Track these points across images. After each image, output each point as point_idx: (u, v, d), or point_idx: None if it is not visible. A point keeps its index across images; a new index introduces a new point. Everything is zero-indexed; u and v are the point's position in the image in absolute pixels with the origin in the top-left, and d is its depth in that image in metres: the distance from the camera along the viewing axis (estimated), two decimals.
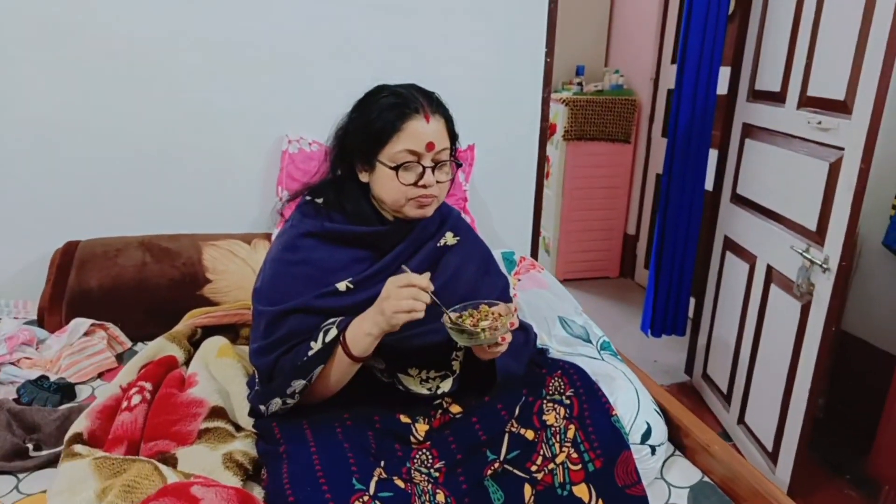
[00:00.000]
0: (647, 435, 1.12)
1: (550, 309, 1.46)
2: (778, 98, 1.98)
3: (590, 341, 1.38)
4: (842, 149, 1.66)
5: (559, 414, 1.09)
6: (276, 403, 1.06)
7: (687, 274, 2.56)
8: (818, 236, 1.76)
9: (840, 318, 2.21)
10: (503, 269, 1.41)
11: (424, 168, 1.09)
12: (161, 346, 1.34)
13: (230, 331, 1.49)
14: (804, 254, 1.77)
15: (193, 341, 1.43)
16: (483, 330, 0.97)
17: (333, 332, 1.03)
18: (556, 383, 1.13)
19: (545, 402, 1.11)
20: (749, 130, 2.19)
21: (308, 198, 1.22)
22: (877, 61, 1.51)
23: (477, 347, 1.05)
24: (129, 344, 1.58)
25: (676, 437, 1.18)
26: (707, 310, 2.48)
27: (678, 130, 2.41)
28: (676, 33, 3.22)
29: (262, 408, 1.09)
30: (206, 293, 1.66)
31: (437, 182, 1.11)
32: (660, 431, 1.14)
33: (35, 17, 1.64)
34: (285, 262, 1.13)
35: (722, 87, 2.34)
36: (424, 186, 1.09)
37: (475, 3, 1.91)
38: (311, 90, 1.87)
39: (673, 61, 3.25)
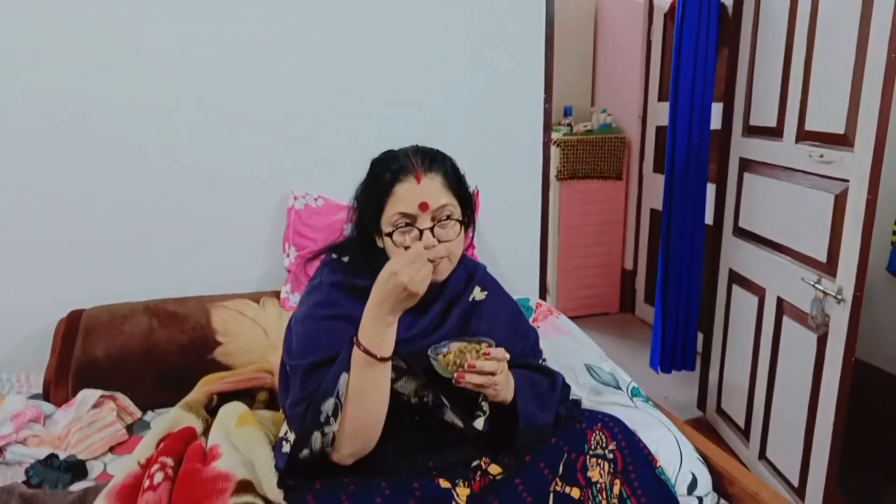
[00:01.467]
0: (693, 486, 1.09)
1: (575, 356, 1.43)
2: (775, 133, 2.01)
3: (620, 388, 1.35)
4: (846, 181, 1.68)
5: (604, 469, 1.05)
6: (317, 439, 1.01)
7: (693, 308, 2.56)
8: (829, 267, 1.76)
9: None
10: None
11: (421, 231, 1.07)
12: (178, 417, 1.29)
13: (247, 396, 1.44)
14: (816, 285, 1.77)
15: (210, 409, 1.37)
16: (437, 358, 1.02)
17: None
18: (598, 437, 1.10)
19: (588, 457, 1.07)
20: (747, 164, 2.22)
21: (334, 256, 1.21)
22: (875, 92, 1.54)
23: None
24: (139, 414, 1.52)
25: (720, 485, 1.14)
26: (717, 344, 2.47)
27: (675, 166, 2.44)
28: (662, 70, 3.30)
29: (306, 451, 1.03)
30: (217, 357, 1.61)
31: (441, 241, 1.08)
32: (705, 481, 1.10)
33: (30, 83, 1.63)
34: (319, 318, 1.11)
35: (715, 123, 2.38)
36: (426, 248, 1.07)
37: (475, 53, 1.94)
38: (316, 146, 1.87)
39: (660, 98, 3.32)
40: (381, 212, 1.10)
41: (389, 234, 1.08)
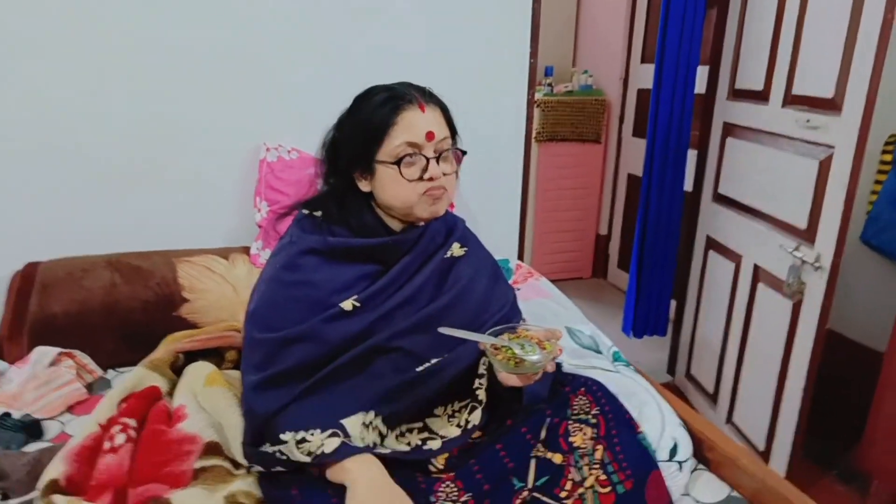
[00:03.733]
0: (674, 451, 1.08)
1: (556, 319, 1.41)
2: (761, 97, 1.98)
3: (600, 352, 1.33)
4: (832, 147, 1.66)
5: (586, 434, 1.03)
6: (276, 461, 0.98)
7: (668, 274, 2.56)
8: (808, 234, 1.76)
9: None
10: None
11: (428, 159, 1.05)
12: (141, 377, 1.23)
13: (215, 355, 1.38)
14: (794, 252, 1.77)
15: (175, 368, 1.31)
16: (530, 354, 0.95)
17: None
18: (581, 402, 1.07)
19: (571, 422, 1.05)
20: (730, 129, 2.19)
21: (305, 212, 1.15)
22: (868, 58, 1.51)
23: (505, 375, 0.99)
24: (99, 372, 1.45)
25: (699, 450, 1.13)
26: (690, 309, 2.48)
27: (658, 130, 2.39)
28: (646, 33, 3.23)
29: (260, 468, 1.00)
30: (183, 314, 1.54)
31: (444, 174, 1.07)
32: (686, 446, 1.09)
33: None
34: (285, 283, 1.06)
35: (699, 87, 2.34)
36: (431, 179, 1.05)
37: (459, 5, 1.84)
38: (290, 95, 1.77)
39: (643, 61, 3.26)
40: (379, 144, 1.06)
41: (397, 163, 1.04)
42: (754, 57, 2.02)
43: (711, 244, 2.31)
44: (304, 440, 0.94)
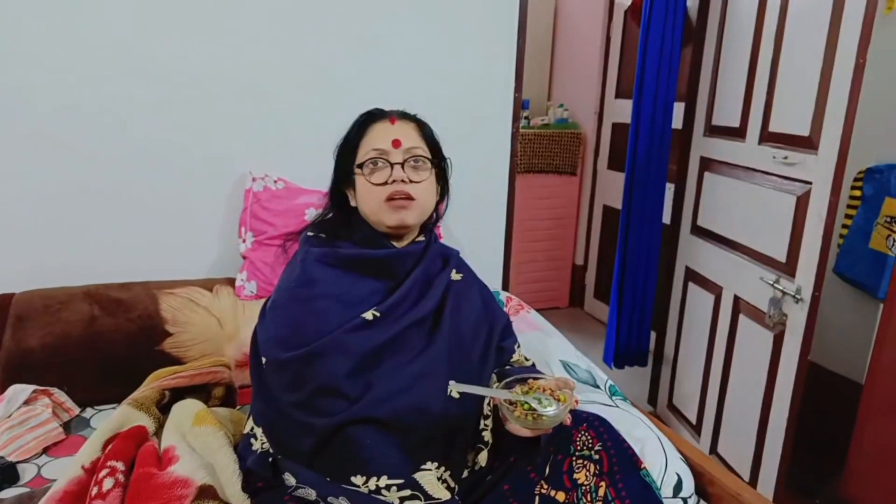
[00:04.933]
0: (678, 487, 1.07)
1: (550, 353, 1.40)
2: (737, 133, 2.04)
3: (598, 386, 1.33)
4: (809, 183, 1.71)
5: (589, 471, 1.02)
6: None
7: (648, 305, 2.59)
8: (788, 267, 1.80)
9: None
10: None
11: (392, 165, 1.10)
12: (127, 416, 1.18)
13: (201, 391, 1.33)
14: (775, 285, 1.81)
15: (161, 406, 1.26)
16: (547, 408, 0.94)
17: None
18: (584, 437, 1.06)
19: (574, 458, 1.04)
20: (707, 164, 2.25)
21: (310, 233, 1.19)
22: (842, 96, 1.56)
23: (516, 426, 0.98)
24: (77, 410, 1.39)
25: (700, 484, 1.13)
26: (670, 340, 2.51)
27: (636, 164, 2.45)
28: (620, 67, 3.32)
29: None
30: (166, 348, 1.49)
31: (412, 181, 1.11)
32: (689, 482, 1.09)
33: None
34: (303, 299, 1.07)
35: (675, 122, 2.41)
36: (395, 182, 1.09)
37: (446, 38, 1.87)
38: (277, 125, 1.75)
39: (618, 95, 3.34)
40: (354, 156, 1.15)
41: (361, 166, 1.12)
42: (730, 94, 2.09)
43: (691, 275, 2.35)
44: (378, 490, 0.93)
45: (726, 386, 2.11)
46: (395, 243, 1.16)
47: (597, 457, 1.04)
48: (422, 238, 1.19)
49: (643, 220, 2.50)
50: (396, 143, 1.11)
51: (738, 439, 2.03)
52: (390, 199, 1.09)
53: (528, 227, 3.60)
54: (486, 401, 1.05)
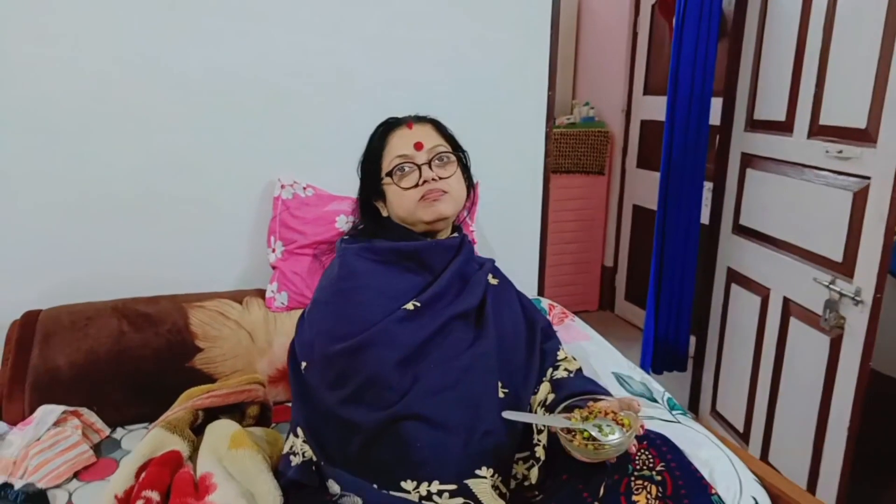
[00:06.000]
0: None
1: (601, 364, 1.32)
2: (783, 127, 1.94)
3: (655, 400, 1.24)
4: (867, 178, 1.61)
5: (650, 493, 0.93)
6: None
7: (686, 308, 2.49)
8: (844, 267, 1.70)
9: None
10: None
11: (419, 166, 1.15)
12: (160, 440, 1.12)
13: (235, 411, 1.27)
14: (830, 286, 1.71)
15: (194, 427, 1.20)
16: (609, 436, 0.87)
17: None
18: (644, 457, 0.97)
19: (633, 479, 0.94)
20: (749, 160, 2.15)
21: (346, 238, 1.24)
22: None
23: (579, 455, 0.92)
24: (107, 431, 1.33)
25: None
26: (712, 344, 2.41)
27: (672, 162, 2.36)
28: (648, 63, 3.23)
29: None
30: (197, 364, 1.43)
31: (442, 178, 1.15)
32: None
33: None
34: (345, 291, 1.10)
35: (712, 118, 2.31)
36: (426, 182, 1.14)
37: (478, 36, 1.79)
38: (305, 130, 1.69)
39: (646, 92, 3.25)
40: (379, 166, 1.19)
41: (391, 174, 1.16)
42: (774, 88, 1.99)
43: (733, 277, 2.25)
44: (430, 496, 0.89)
45: (777, 392, 2.01)
46: (429, 238, 1.21)
47: (659, 478, 0.94)
48: (455, 235, 1.24)
49: (680, 219, 2.40)
50: (419, 146, 1.16)
51: (791, 448, 1.93)
52: (424, 198, 1.14)
53: (556, 229, 3.50)
54: (539, 408, 1.04)
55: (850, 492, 1.75)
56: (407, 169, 1.15)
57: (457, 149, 1.25)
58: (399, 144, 1.17)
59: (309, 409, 1.06)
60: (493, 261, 1.32)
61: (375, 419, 0.95)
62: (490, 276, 1.24)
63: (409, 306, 1.06)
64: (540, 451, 0.99)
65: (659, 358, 2.54)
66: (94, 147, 1.53)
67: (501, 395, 1.03)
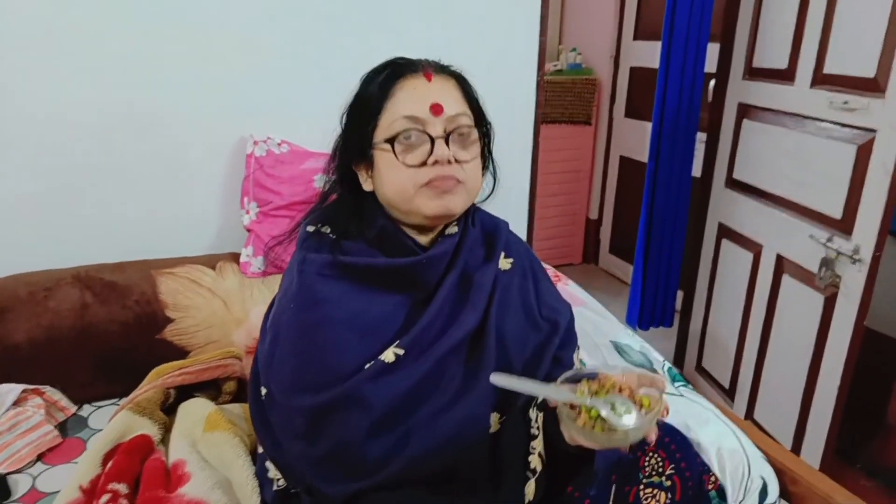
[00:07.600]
0: (763, 493, 0.95)
1: (599, 332, 1.25)
2: (784, 76, 1.85)
3: (655, 371, 1.19)
4: (873, 130, 1.54)
5: (659, 501, 0.85)
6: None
7: (675, 263, 2.45)
8: (843, 224, 1.65)
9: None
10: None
11: (433, 139, 0.83)
12: (127, 423, 1.04)
13: (211, 387, 1.19)
14: (827, 244, 1.66)
15: (165, 407, 1.12)
16: (623, 416, 0.67)
17: None
18: (653, 461, 0.88)
19: (642, 487, 0.86)
20: (746, 111, 2.06)
21: (310, 229, 0.93)
22: None
23: (574, 433, 0.74)
24: (73, 409, 1.25)
25: (780, 483, 1.00)
26: (700, 300, 2.37)
27: (666, 112, 2.26)
28: (639, 6, 3.08)
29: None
30: (167, 336, 1.34)
31: (459, 160, 0.85)
32: (775, 486, 0.96)
33: None
34: (306, 328, 0.86)
35: (708, 65, 2.21)
36: (437, 163, 0.83)
37: None
38: (278, 81, 1.56)
39: (636, 37, 3.11)
40: (375, 121, 0.86)
41: (391, 142, 0.83)
42: (775, 33, 1.89)
43: (725, 232, 2.20)
44: None
45: (765, 349, 1.99)
46: (420, 238, 0.92)
47: (668, 483, 0.86)
48: (454, 229, 0.93)
49: (672, 172, 2.33)
50: (437, 109, 0.83)
51: (778, 405, 1.92)
52: (430, 184, 0.84)
53: (540, 181, 3.34)
54: (532, 410, 0.87)
55: (837, 447, 1.75)
56: (415, 138, 0.84)
57: (481, 122, 0.93)
58: (409, 100, 0.85)
59: (276, 447, 0.89)
60: (506, 225, 1.04)
61: (345, 491, 0.81)
62: (502, 257, 0.97)
63: (389, 355, 0.83)
64: (535, 461, 0.83)
65: (646, 312, 2.51)
66: (47, 102, 1.39)
67: (495, 428, 0.86)
